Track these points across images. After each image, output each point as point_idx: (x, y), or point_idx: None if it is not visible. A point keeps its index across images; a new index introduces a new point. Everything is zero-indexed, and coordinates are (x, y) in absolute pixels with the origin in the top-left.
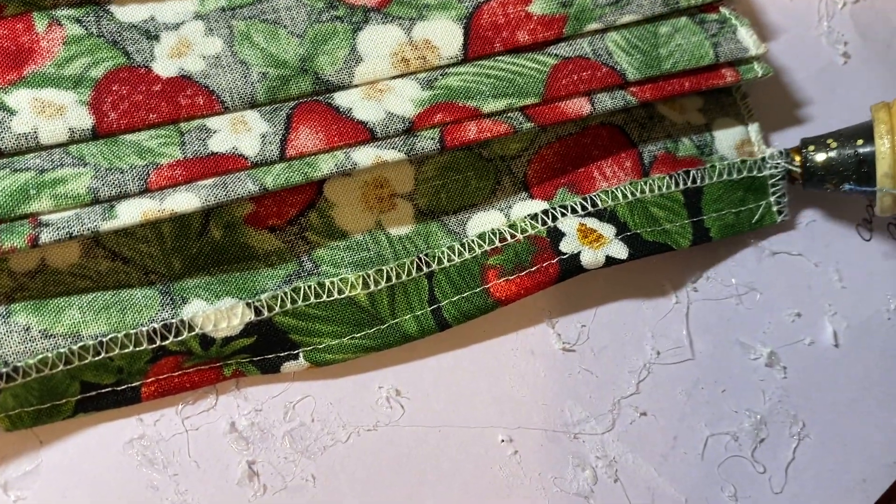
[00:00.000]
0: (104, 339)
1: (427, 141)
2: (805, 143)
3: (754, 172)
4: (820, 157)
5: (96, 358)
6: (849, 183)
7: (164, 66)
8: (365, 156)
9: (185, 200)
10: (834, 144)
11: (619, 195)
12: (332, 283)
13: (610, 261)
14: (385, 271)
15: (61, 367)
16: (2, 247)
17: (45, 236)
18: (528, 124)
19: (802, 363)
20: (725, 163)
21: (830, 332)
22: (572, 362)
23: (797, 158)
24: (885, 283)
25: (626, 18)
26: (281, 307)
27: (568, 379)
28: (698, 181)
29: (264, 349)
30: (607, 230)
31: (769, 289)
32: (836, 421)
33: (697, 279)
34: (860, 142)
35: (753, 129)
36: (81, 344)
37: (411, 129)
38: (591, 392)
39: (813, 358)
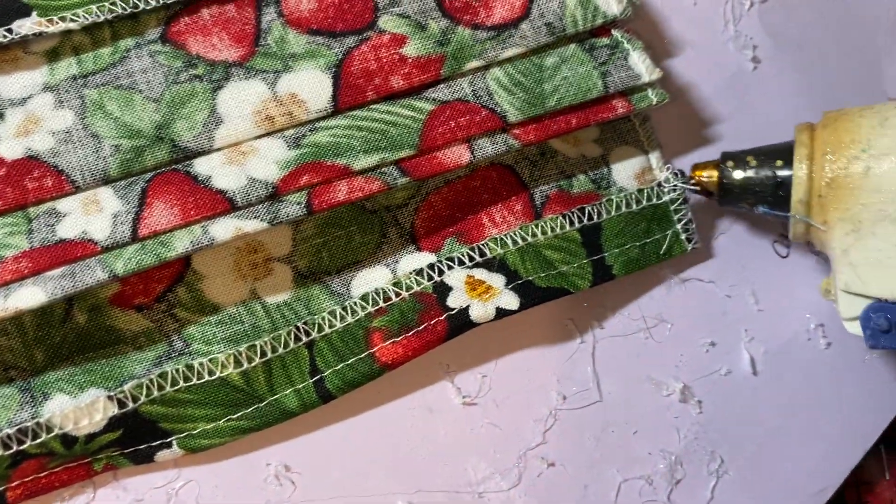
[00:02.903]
0: None
1: (292, 206)
2: (724, 157)
3: (653, 200)
4: (738, 174)
5: None
6: (763, 205)
7: (10, 148)
8: (224, 229)
9: (30, 296)
10: (753, 162)
11: (509, 242)
12: (200, 364)
13: (501, 312)
14: (259, 346)
15: None
16: None
17: None
18: (404, 179)
19: (719, 395)
20: (624, 194)
21: (748, 360)
22: (474, 416)
23: (714, 174)
24: (804, 302)
25: (509, 52)
26: (147, 396)
27: (470, 435)
28: (595, 217)
29: (133, 441)
30: (496, 280)
31: (680, 319)
32: (757, 454)
33: (603, 315)
34: (779, 163)
35: (654, 156)
36: None
37: (275, 194)
38: (495, 446)
39: (730, 388)
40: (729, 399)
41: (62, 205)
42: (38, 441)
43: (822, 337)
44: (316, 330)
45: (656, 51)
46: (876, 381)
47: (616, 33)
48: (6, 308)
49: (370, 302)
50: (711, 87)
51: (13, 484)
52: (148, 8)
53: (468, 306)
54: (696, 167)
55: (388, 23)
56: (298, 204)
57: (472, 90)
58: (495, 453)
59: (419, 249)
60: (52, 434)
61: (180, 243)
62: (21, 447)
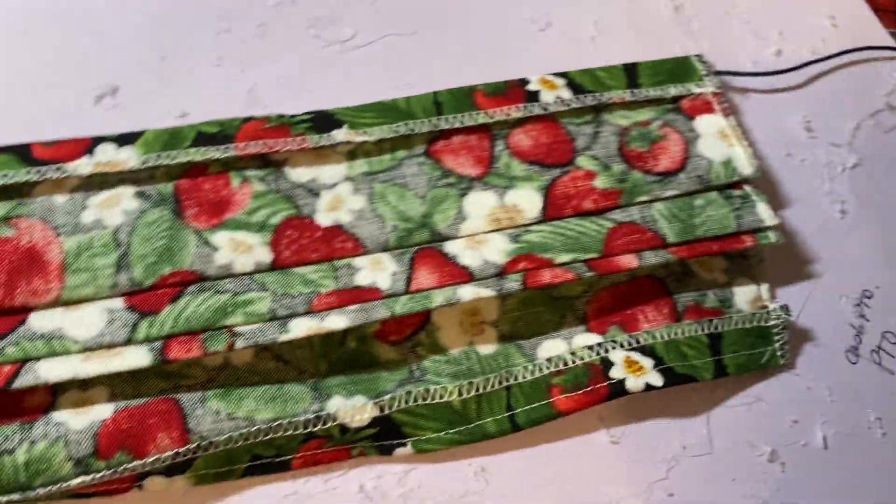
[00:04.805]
0: (272, 425)
1: (513, 283)
2: None
3: (762, 323)
4: None
5: (265, 438)
6: None
7: (323, 217)
8: (467, 293)
9: (338, 321)
10: None
11: (658, 336)
12: (435, 389)
13: (648, 387)
14: (475, 383)
15: (241, 444)
16: (208, 350)
17: (239, 344)
18: (589, 273)
19: (798, 461)
20: (741, 315)
21: (821, 437)
22: (617, 452)
23: None
24: (867, 399)
25: (669, 193)
26: (398, 406)
27: (613, 465)
28: (719, 328)
29: (383, 437)
30: (647, 363)
31: (773, 400)
32: None
33: (716, 390)
34: None
35: (764, 289)
36: (256, 427)
37: (501, 273)
38: (630, 475)
39: (806, 457)
40: (805, 464)
41: (356, 262)
42: (325, 427)
43: (880, 428)
44: (513, 378)
45: (771, 197)
46: None
47: (747, 188)
48: (321, 327)
49: (553, 364)
50: (808, 230)
51: (298, 455)
52: (417, 132)
53: (625, 379)
54: None
55: (583, 162)
56: (517, 281)
57: (641, 216)
58: (630, 481)
59: (589, 331)
60: (335, 423)
61: (438, 298)
62: (314, 429)
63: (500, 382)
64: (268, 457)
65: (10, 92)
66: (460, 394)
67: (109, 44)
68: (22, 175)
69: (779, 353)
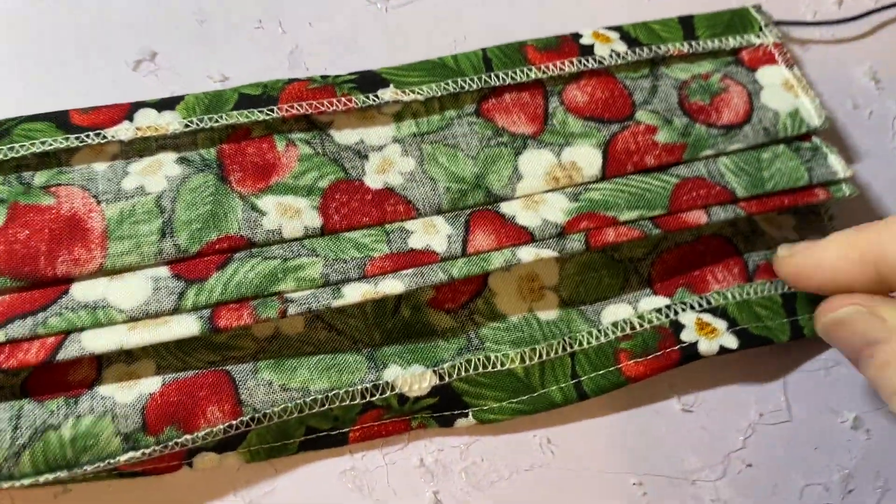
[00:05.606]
0: (328, 395)
1: (575, 243)
2: None
3: None
4: None
5: (321, 409)
6: None
7: (373, 180)
8: (527, 253)
9: (393, 285)
10: None
11: (730, 296)
12: (496, 357)
13: (723, 350)
14: (538, 349)
15: (295, 415)
16: (259, 317)
17: (292, 310)
18: (656, 231)
19: (884, 427)
20: None
21: None
22: (690, 421)
23: None
24: None
25: (735, 146)
26: (458, 375)
27: (687, 435)
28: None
29: (443, 407)
30: (720, 324)
31: None
32: None
33: (791, 354)
34: None
35: None
36: (311, 398)
37: (562, 233)
38: (705, 446)
39: (894, 423)
40: (893, 432)
41: (409, 225)
42: (384, 396)
43: None
44: (577, 344)
45: (840, 152)
46: None
47: (816, 140)
48: (377, 292)
49: (619, 328)
50: (879, 186)
51: (356, 427)
52: (466, 90)
53: (697, 342)
54: None
55: (643, 116)
56: (579, 241)
57: (707, 171)
58: (705, 451)
59: (655, 293)
60: (394, 392)
61: (497, 260)
62: (372, 399)
63: (565, 348)
64: (324, 430)
65: (47, 59)
66: (522, 360)
67: (147, 8)
68: (61, 142)
69: None
